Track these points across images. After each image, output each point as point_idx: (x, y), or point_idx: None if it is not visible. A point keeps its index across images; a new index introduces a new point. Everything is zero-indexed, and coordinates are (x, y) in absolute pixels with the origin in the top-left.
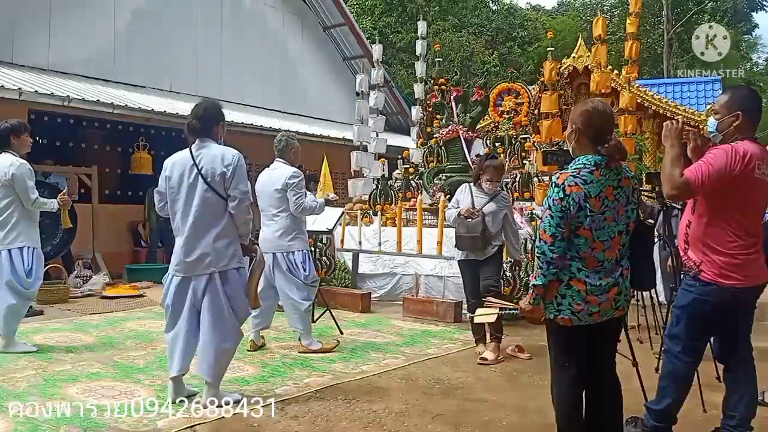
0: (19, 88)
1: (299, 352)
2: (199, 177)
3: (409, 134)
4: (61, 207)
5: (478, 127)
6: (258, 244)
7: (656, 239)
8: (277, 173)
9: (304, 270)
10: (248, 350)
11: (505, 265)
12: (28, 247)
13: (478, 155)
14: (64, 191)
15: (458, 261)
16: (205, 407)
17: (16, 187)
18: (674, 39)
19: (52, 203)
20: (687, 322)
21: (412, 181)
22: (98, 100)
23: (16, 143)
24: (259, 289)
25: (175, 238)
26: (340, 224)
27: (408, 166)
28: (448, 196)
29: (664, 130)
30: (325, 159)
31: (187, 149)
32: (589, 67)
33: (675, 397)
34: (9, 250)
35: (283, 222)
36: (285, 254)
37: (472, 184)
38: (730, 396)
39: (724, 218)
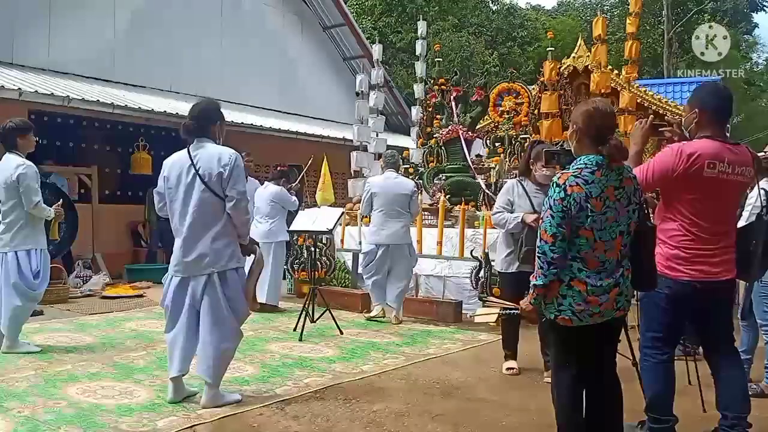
0: (19, 88)
1: (393, 324)
2: (197, 177)
3: (409, 134)
4: (54, 217)
5: (478, 127)
6: (258, 244)
7: None
8: (402, 181)
9: (415, 259)
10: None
11: None
12: (36, 249)
13: (478, 155)
14: (59, 203)
15: (505, 273)
16: (204, 407)
17: (21, 188)
18: (674, 39)
19: (49, 211)
20: (645, 313)
21: (412, 181)
22: (98, 100)
23: (22, 143)
24: (372, 277)
25: (175, 238)
26: (340, 224)
27: (408, 166)
28: (448, 197)
29: (632, 129)
30: (325, 159)
31: (185, 149)
32: (589, 67)
33: (657, 389)
34: (15, 252)
35: (407, 220)
36: (408, 245)
37: (520, 179)
38: (720, 395)
39: (676, 213)
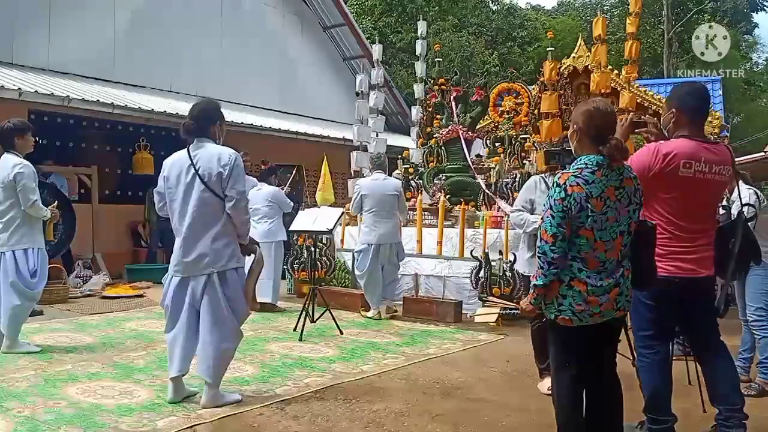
0: (19, 88)
1: (388, 314)
2: (196, 177)
3: (409, 134)
4: (50, 218)
5: (478, 127)
6: (258, 244)
7: None
8: (389, 182)
9: (402, 256)
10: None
11: (505, 265)
12: (33, 249)
13: (478, 155)
14: (55, 204)
15: (527, 275)
16: (204, 407)
17: (18, 187)
18: (674, 39)
19: (45, 211)
20: (635, 313)
21: (412, 181)
22: (98, 100)
23: (20, 144)
24: (362, 272)
25: (175, 238)
26: (340, 224)
27: (408, 166)
28: (448, 197)
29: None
30: (325, 159)
31: (185, 149)
32: (589, 67)
33: (654, 389)
34: (13, 251)
35: (396, 219)
36: (397, 243)
37: (543, 176)
38: (710, 390)
39: (653, 212)
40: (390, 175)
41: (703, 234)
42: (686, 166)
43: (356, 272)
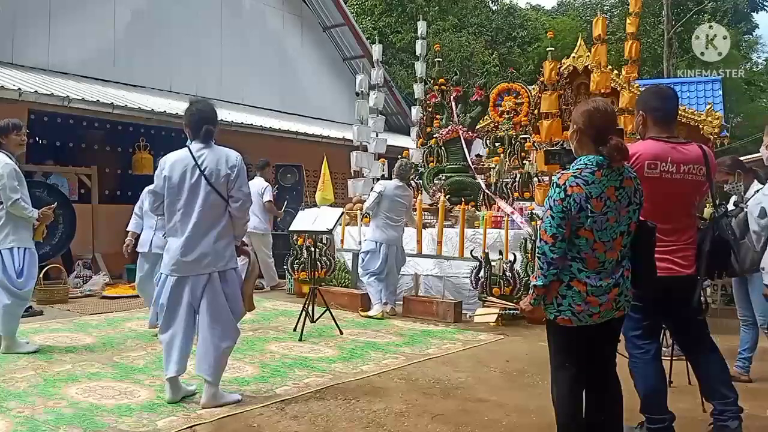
0: (19, 89)
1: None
2: (202, 177)
3: (409, 134)
4: (40, 219)
5: (477, 127)
6: (248, 245)
7: None
8: (407, 193)
9: (404, 260)
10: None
11: (504, 265)
12: (19, 248)
13: (478, 155)
14: (52, 206)
15: None
16: (204, 407)
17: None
18: (674, 39)
19: (32, 212)
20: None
21: (412, 181)
22: (98, 100)
23: (6, 143)
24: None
25: (168, 238)
26: (340, 224)
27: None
28: (448, 197)
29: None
30: (325, 159)
31: (185, 149)
32: (589, 67)
33: (648, 388)
34: (0, 251)
35: (403, 226)
36: (402, 248)
37: None
38: (703, 388)
39: None
40: (390, 175)
41: (681, 233)
42: (651, 166)
43: (360, 271)
